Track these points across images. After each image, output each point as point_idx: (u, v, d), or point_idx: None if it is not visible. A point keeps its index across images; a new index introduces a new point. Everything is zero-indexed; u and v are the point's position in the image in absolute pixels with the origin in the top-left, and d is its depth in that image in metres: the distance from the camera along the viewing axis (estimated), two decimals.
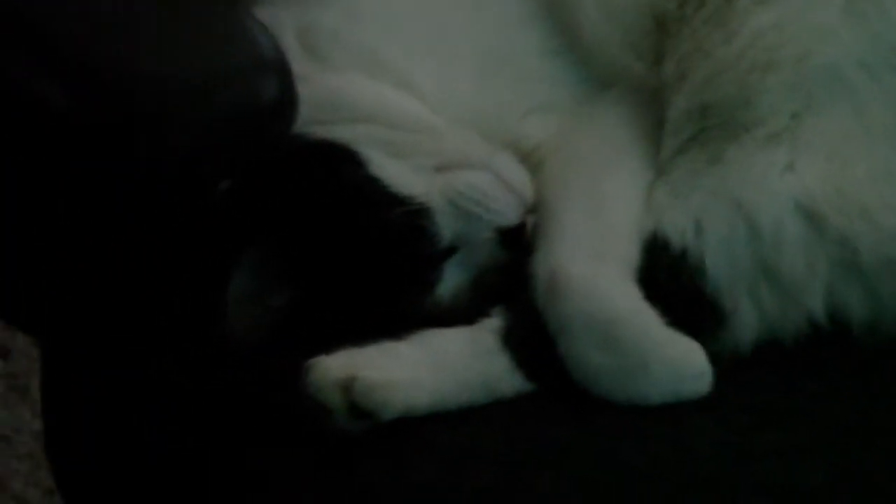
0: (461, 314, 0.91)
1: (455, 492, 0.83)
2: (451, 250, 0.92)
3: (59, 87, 0.79)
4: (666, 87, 0.97)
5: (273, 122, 0.85)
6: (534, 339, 0.87)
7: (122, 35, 0.82)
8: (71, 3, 0.83)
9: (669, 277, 0.89)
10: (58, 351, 1.03)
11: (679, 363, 0.86)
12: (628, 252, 0.89)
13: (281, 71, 0.84)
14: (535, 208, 0.95)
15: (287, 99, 0.84)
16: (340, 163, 0.93)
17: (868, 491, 0.83)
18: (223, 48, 0.85)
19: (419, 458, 0.86)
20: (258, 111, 0.84)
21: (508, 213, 0.92)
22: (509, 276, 0.93)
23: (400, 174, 0.92)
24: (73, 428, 1.02)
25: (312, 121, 0.91)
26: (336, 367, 0.84)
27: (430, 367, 0.86)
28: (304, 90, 0.86)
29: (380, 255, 0.92)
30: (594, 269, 0.88)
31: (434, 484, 0.84)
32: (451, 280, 0.92)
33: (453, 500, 0.83)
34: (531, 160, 0.98)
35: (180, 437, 0.93)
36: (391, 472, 0.85)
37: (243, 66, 0.84)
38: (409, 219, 0.91)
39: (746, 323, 0.89)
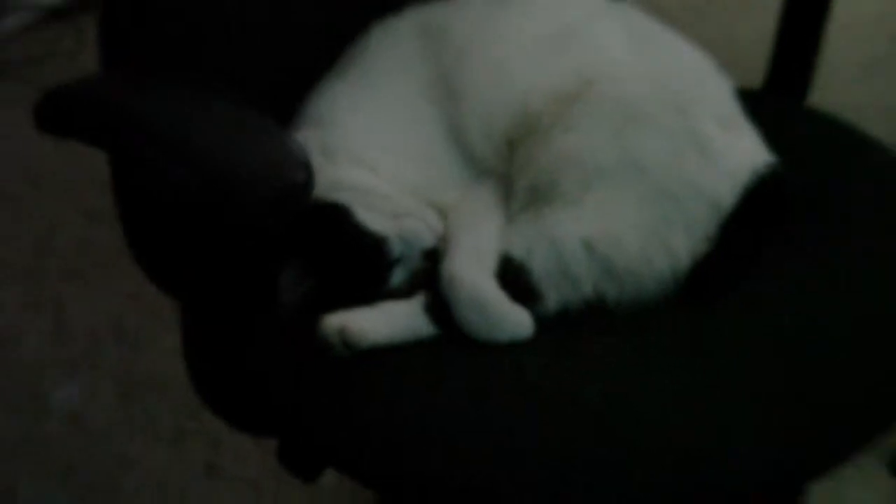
0: (404, 294, 1.26)
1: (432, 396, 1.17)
2: (398, 260, 1.26)
3: (191, 174, 1.09)
4: (513, 176, 1.33)
5: (303, 192, 1.07)
6: (441, 308, 1.23)
7: (223, 142, 1.12)
8: (195, 128, 1.13)
9: (513, 275, 1.25)
10: (192, 310, 1.31)
11: (516, 320, 1.22)
12: (490, 263, 1.25)
13: (307, 165, 1.07)
14: (443, 238, 1.29)
15: (310, 179, 1.07)
16: (339, 213, 1.26)
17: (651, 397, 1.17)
18: (278, 152, 1.11)
19: (399, 382, 1.20)
20: (295, 186, 1.07)
21: (428, 241, 1.27)
22: (429, 275, 1.27)
23: (371, 220, 1.25)
24: (203, 355, 1.30)
25: (324, 190, 1.23)
26: (335, 320, 1.19)
27: (385, 321, 1.22)
28: (320, 175, 1.11)
29: (361, 263, 1.25)
30: (472, 272, 1.23)
31: (413, 388, 1.19)
32: (398, 276, 1.27)
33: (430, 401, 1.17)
34: (443, 212, 1.32)
35: (257, 357, 1.25)
36: (374, 382, 1.20)
37: (289, 161, 1.09)
38: (376, 244, 1.25)
39: (552, 299, 1.25)
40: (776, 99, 1.46)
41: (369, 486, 1.24)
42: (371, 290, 1.26)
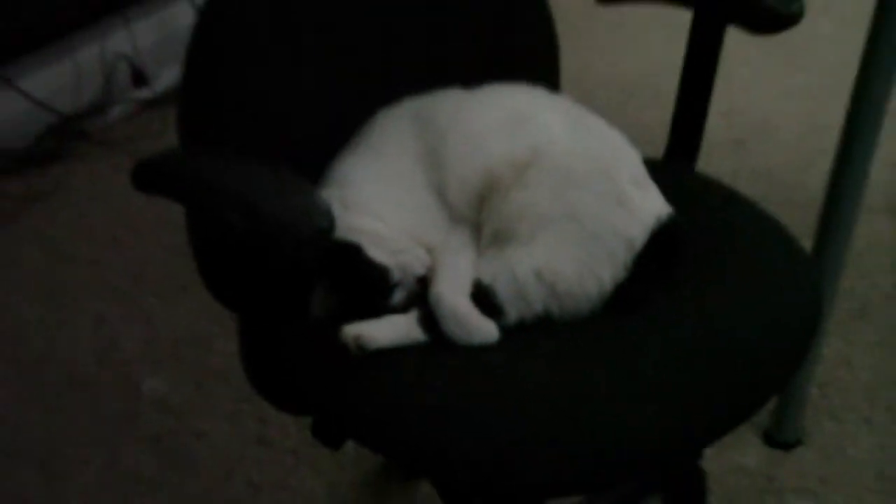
0: (402, 309, 1.24)
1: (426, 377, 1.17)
2: (397, 285, 1.25)
3: (245, 221, 1.09)
4: (482, 222, 1.31)
5: (326, 235, 1.06)
6: (430, 320, 1.21)
7: (268, 197, 1.09)
8: (248, 187, 1.11)
9: (483, 296, 1.23)
10: (246, 320, 1.30)
11: (485, 329, 1.21)
12: (466, 287, 1.23)
13: (330, 215, 1.06)
14: (431, 268, 1.28)
15: (332, 226, 1.06)
16: (354, 250, 1.24)
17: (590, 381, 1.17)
18: (309, 205, 1.08)
19: (399, 375, 1.18)
20: (320, 230, 1.06)
21: (419, 271, 1.26)
22: (420, 295, 1.25)
23: (377, 255, 1.24)
24: (254, 354, 1.29)
25: (343, 233, 1.22)
26: (352, 329, 1.17)
27: (389, 330, 1.20)
28: (339, 222, 1.11)
29: (370, 287, 1.24)
30: (452, 294, 1.22)
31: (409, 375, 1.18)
32: (398, 296, 1.25)
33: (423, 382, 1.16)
34: (430, 249, 1.30)
35: (294, 355, 1.23)
36: (382, 371, 1.18)
37: (316, 212, 1.07)
38: (381, 273, 1.24)
39: (511, 314, 1.23)
40: (674, 165, 1.46)
41: (376, 451, 1.22)
42: (377, 306, 1.25)
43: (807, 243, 1.48)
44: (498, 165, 1.31)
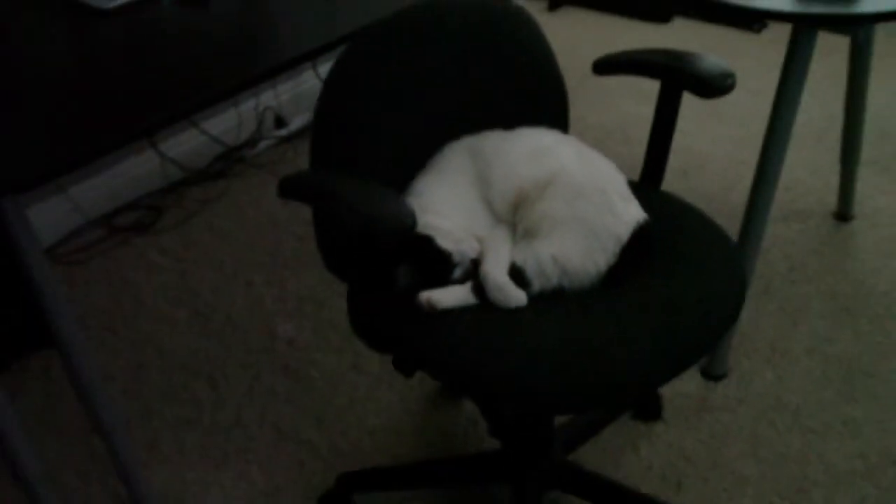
0: (461, 281, 1.19)
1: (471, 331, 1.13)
2: (457, 264, 1.19)
3: (355, 219, 1.09)
4: (516, 223, 1.25)
5: (411, 229, 1.04)
6: (480, 289, 1.16)
7: (374, 204, 1.07)
8: (358, 197, 1.09)
9: (516, 273, 1.18)
10: (352, 287, 1.26)
11: (517, 296, 1.16)
12: (505, 266, 1.18)
13: (413, 216, 1.04)
14: (481, 253, 1.21)
15: (414, 224, 1.04)
16: (427, 240, 1.19)
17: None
18: (400, 209, 1.05)
19: (457, 326, 1.14)
20: (407, 227, 1.04)
21: (472, 254, 1.20)
22: (474, 271, 1.19)
23: (443, 243, 1.19)
24: (357, 311, 1.24)
25: (420, 228, 1.17)
26: (425, 295, 1.14)
27: (451, 296, 1.16)
28: (419, 221, 1.08)
29: (438, 265, 1.18)
30: (495, 271, 1.17)
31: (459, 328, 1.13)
32: (457, 272, 1.19)
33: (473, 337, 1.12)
34: (480, 239, 1.23)
35: (385, 312, 1.19)
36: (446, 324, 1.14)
37: (404, 214, 1.04)
38: (446, 255, 1.18)
39: (535, 286, 1.18)
40: (646, 186, 1.41)
41: (439, 379, 1.20)
42: (443, 279, 1.20)
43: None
44: (527, 183, 1.27)
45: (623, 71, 1.42)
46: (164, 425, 1.77)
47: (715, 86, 1.28)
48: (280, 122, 2.84)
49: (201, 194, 2.57)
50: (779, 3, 1.46)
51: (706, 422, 1.77)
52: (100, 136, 1.11)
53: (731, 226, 1.55)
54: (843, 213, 2.31)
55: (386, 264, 1.18)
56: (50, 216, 2.31)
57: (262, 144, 2.77)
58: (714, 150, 2.66)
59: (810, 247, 2.24)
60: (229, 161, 2.68)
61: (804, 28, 1.53)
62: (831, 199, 2.38)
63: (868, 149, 2.48)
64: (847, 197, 2.29)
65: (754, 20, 3.16)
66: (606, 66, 1.41)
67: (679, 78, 1.33)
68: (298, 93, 2.84)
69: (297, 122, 2.85)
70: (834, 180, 2.42)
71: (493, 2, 1.39)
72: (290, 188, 1.15)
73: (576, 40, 3.35)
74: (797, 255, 2.22)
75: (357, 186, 1.12)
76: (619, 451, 1.69)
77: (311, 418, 1.78)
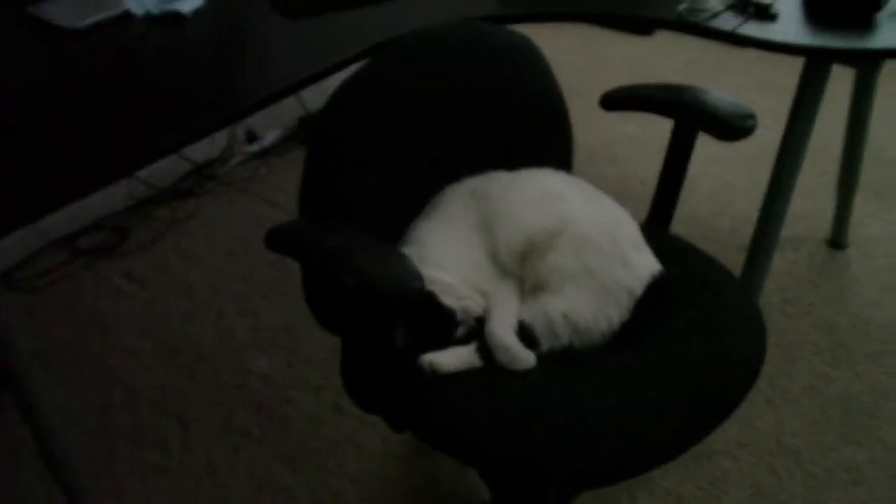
0: (464, 342, 1.13)
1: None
2: (461, 323, 1.14)
3: (353, 280, 0.99)
4: (524, 276, 1.20)
5: (419, 294, 1.01)
6: (486, 350, 1.11)
7: (372, 263, 1.00)
8: (354, 253, 1.02)
9: (524, 332, 1.13)
10: (348, 345, 1.18)
11: (525, 358, 1.11)
12: (512, 325, 1.13)
13: (420, 277, 0.97)
14: (486, 310, 1.16)
15: (423, 286, 0.98)
16: (429, 296, 1.13)
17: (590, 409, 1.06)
18: (404, 270, 0.99)
19: (460, 391, 1.08)
20: (414, 291, 0.97)
21: (477, 312, 1.15)
22: (478, 331, 1.14)
23: (446, 300, 1.13)
24: (351, 368, 1.17)
25: None
26: (427, 357, 1.09)
27: (454, 358, 1.10)
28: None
29: (440, 324, 1.13)
30: (501, 330, 1.12)
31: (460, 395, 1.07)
32: (461, 331, 1.14)
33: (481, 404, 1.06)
34: (485, 295, 1.18)
35: (381, 374, 1.12)
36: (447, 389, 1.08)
37: (410, 275, 0.98)
38: (449, 313, 1.13)
39: (545, 346, 1.13)
40: (655, 229, 1.34)
41: (436, 448, 1.12)
42: (445, 339, 1.14)
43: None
44: (535, 233, 1.21)
45: (634, 107, 1.36)
46: (131, 470, 1.67)
47: (735, 127, 1.23)
48: (252, 136, 2.73)
49: (169, 214, 2.46)
50: (793, 34, 1.42)
51: (705, 468, 1.70)
52: (77, 176, 1.06)
53: (723, 253, 1.50)
54: (837, 241, 2.29)
55: (384, 323, 1.10)
56: (7, 237, 2.17)
57: (234, 161, 2.67)
58: (701, 173, 2.61)
59: (805, 277, 2.20)
60: (199, 178, 2.57)
61: (820, 63, 1.47)
62: (824, 226, 2.34)
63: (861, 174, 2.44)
64: (842, 226, 2.26)
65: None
66: (616, 101, 1.35)
67: (695, 118, 1.29)
68: (271, 108, 2.73)
69: (270, 136, 2.75)
70: (827, 205, 2.37)
71: (497, 32, 1.34)
72: (279, 242, 1.08)
73: (557, 53, 3.26)
74: (792, 286, 2.17)
75: (357, 244, 1.05)
76: (615, 500, 1.62)
77: (287, 462, 1.69)
